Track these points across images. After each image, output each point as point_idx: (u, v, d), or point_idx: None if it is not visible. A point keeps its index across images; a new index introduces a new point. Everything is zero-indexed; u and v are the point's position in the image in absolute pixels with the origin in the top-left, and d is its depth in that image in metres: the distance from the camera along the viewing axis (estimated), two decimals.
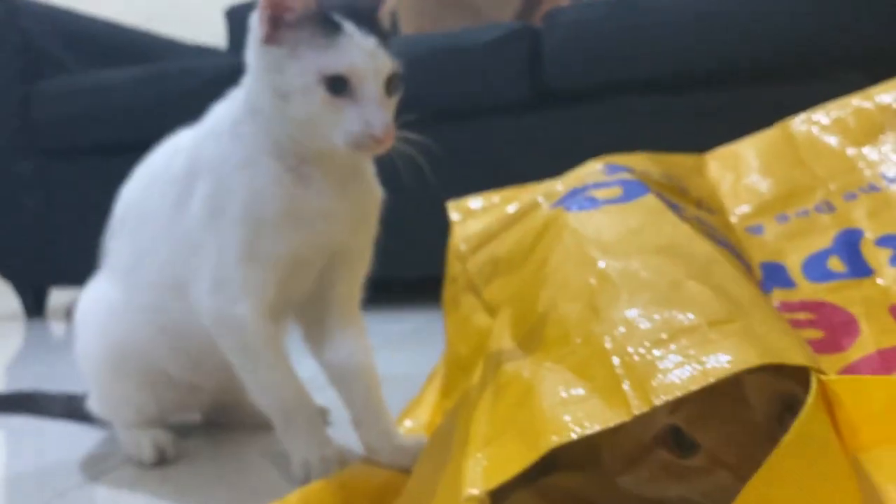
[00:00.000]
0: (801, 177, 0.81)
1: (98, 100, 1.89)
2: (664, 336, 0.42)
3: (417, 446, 0.68)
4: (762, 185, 0.82)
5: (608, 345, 0.44)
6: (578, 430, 0.40)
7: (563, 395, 0.43)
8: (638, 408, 0.39)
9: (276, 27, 0.61)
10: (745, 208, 0.80)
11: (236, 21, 2.57)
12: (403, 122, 0.66)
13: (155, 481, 0.74)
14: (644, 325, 0.44)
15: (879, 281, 0.62)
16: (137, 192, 0.78)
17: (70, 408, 0.96)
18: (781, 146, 0.85)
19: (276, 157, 0.66)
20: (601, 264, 0.51)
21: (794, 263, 0.70)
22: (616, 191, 0.63)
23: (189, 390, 0.82)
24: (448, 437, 0.57)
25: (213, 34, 2.64)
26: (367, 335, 0.75)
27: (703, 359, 0.40)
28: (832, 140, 0.82)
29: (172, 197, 0.72)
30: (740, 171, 0.86)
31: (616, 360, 0.43)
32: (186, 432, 0.88)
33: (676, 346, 0.41)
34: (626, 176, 0.67)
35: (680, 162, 0.85)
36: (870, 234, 0.68)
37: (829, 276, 0.66)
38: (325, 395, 0.82)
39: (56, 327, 1.91)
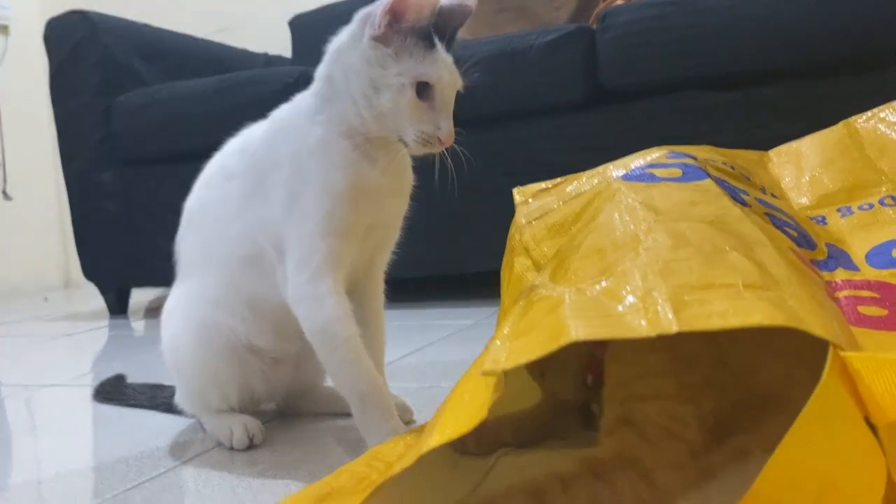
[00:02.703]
0: (865, 172, 0.81)
1: (174, 110, 1.99)
2: (700, 285, 0.45)
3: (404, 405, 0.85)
4: (825, 178, 0.82)
5: (649, 279, 0.47)
6: (603, 332, 0.44)
7: (594, 308, 0.47)
8: (668, 329, 0.42)
9: (389, 30, 0.73)
10: (806, 200, 0.81)
11: (299, 30, 2.66)
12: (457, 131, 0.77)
13: (241, 464, 0.80)
14: (683, 271, 0.47)
15: None
16: (196, 197, 0.88)
17: (154, 398, 1.04)
18: (846, 142, 0.85)
19: (347, 137, 0.77)
20: (650, 219, 0.54)
21: (857, 253, 0.70)
22: (675, 171, 0.65)
23: (272, 364, 0.88)
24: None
25: (278, 43, 2.73)
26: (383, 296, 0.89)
27: (733, 309, 0.42)
28: None
29: (238, 188, 0.82)
30: (802, 166, 0.86)
31: (653, 293, 0.46)
32: (266, 421, 0.93)
33: (710, 295, 0.44)
34: (687, 161, 0.69)
35: (743, 155, 0.87)
36: None
37: (893, 263, 0.66)
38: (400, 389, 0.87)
39: (137, 325, 2.02)
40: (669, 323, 0.42)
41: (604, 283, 0.49)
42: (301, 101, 0.82)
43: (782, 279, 0.47)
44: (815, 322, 0.42)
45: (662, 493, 0.56)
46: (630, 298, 0.46)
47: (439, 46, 0.74)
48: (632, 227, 0.54)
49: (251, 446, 0.83)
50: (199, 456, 0.83)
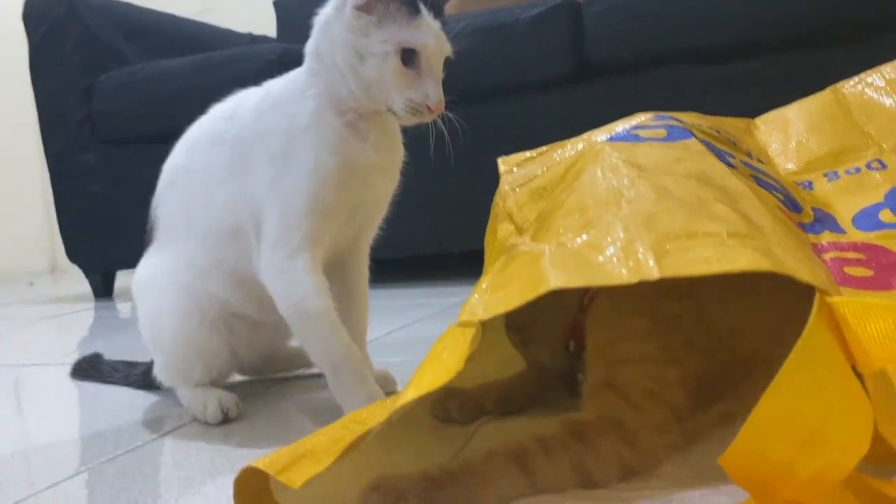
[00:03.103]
0: (852, 136, 0.80)
1: (155, 89, 1.96)
2: (683, 234, 0.44)
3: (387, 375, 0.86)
4: (812, 143, 0.81)
5: (631, 230, 0.46)
6: (583, 280, 0.44)
7: (574, 259, 0.46)
8: (649, 275, 0.41)
9: None
10: (793, 166, 0.80)
11: (284, 10, 2.63)
12: (449, 100, 0.75)
13: (219, 437, 0.78)
14: (666, 222, 0.46)
15: None
16: (180, 160, 0.86)
17: (128, 375, 1.03)
18: (832, 108, 0.84)
19: (338, 112, 0.75)
20: (634, 174, 0.53)
21: (844, 216, 0.69)
22: (660, 132, 0.65)
23: (252, 328, 0.87)
24: None
25: (263, 23, 2.70)
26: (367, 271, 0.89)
27: (716, 255, 0.42)
28: (886, 101, 0.82)
29: (224, 156, 0.80)
30: (789, 132, 0.85)
31: (635, 243, 0.45)
32: (243, 397, 0.91)
33: (692, 243, 0.43)
34: (673, 123, 0.68)
35: (730, 122, 0.86)
36: None
37: (880, 226, 0.66)
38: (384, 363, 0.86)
39: (122, 307, 2.00)
40: (650, 270, 0.41)
41: (585, 237, 0.47)
42: (294, 77, 0.81)
43: (768, 230, 0.46)
44: (801, 269, 0.41)
45: (646, 456, 0.55)
46: (611, 249, 0.45)
47: (425, 12, 0.73)
48: (614, 182, 0.53)
49: (225, 420, 0.82)
50: (177, 429, 0.82)
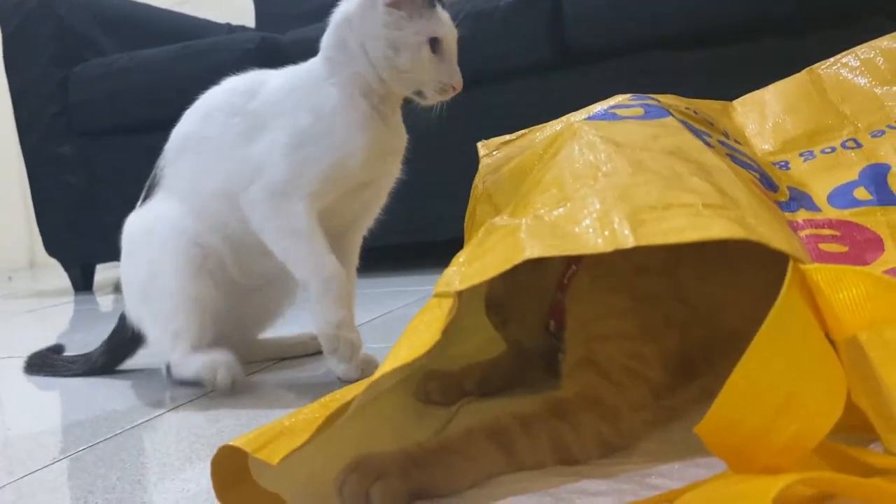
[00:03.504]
0: (828, 116, 0.81)
1: (132, 80, 1.94)
2: (659, 205, 0.45)
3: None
4: (787, 124, 0.82)
5: (607, 202, 0.46)
6: (559, 249, 0.44)
7: (551, 230, 0.47)
8: (624, 243, 0.42)
9: None
10: (769, 146, 0.80)
11: (262, 0, 2.60)
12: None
13: (201, 423, 0.77)
14: (642, 195, 0.46)
15: None
16: (196, 125, 0.90)
17: (88, 361, 1.04)
18: (808, 88, 0.85)
19: (366, 96, 0.84)
20: (611, 150, 0.53)
21: (819, 195, 0.70)
22: (638, 111, 0.65)
23: (241, 294, 0.93)
24: None
25: (241, 14, 2.67)
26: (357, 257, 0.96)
27: (691, 225, 0.42)
28: (861, 81, 0.83)
29: (240, 126, 0.86)
30: (766, 113, 0.86)
31: (611, 213, 0.45)
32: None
33: (668, 214, 0.43)
34: (650, 102, 0.68)
35: (707, 104, 0.86)
36: None
37: (855, 203, 0.66)
38: (367, 348, 0.85)
39: (103, 300, 1.98)
40: (626, 239, 0.41)
41: (561, 210, 0.48)
42: (311, 67, 0.87)
43: (743, 202, 0.46)
44: (775, 237, 0.41)
45: (625, 432, 0.55)
46: (587, 220, 0.45)
47: (439, 5, 0.83)
48: (591, 158, 0.53)
49: (233, 389, 0.86)
50: (157, 417, 0.81)
